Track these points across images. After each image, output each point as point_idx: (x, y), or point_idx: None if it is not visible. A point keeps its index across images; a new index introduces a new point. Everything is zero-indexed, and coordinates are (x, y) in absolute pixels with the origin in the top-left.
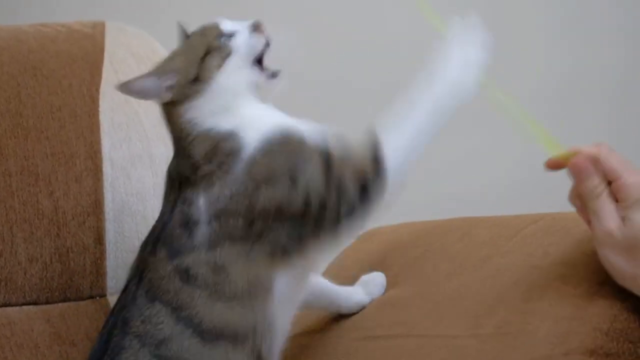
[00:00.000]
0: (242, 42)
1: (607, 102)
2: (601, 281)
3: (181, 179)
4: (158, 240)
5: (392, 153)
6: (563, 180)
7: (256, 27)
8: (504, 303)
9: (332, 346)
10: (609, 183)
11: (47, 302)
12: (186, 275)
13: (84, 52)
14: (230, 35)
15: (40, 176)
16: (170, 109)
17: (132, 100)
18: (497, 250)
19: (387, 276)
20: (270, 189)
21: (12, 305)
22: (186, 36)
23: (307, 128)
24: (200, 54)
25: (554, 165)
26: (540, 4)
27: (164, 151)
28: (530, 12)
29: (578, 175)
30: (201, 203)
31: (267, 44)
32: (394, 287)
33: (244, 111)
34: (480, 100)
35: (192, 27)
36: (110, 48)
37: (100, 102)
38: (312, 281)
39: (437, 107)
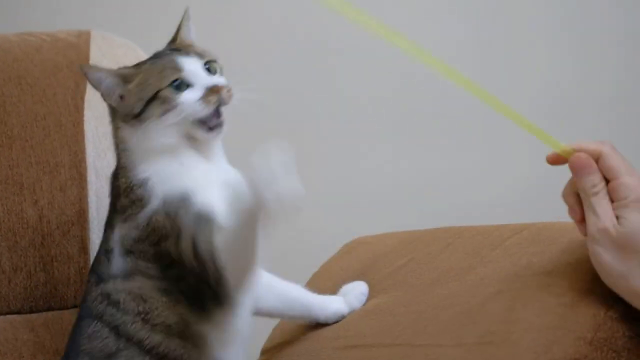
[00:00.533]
0: (189, 104)
1: (607, 107)
2: (585, 290)
3: (112, 195)
4: (93, 267)
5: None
6: (546, 191)
7: (210, 93)
8: (487, 313)
9: (314, 356)
10: (607, 181)
11: (31, 311)
12: (109, 300)
13: (68, 61)
14: (186, 86)
15: (25, 185)
16: (112, 113)
17: None
18: (480, 260)
19: (370, 285)
20: (167, 244)
21: None
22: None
23: (211, 198)
24: (149, 95)
25: (556, 159)
26: (540, 9)
27: None
28: (531, 17)
29: (579, 172)
30: (116, 234)
31: (217, 111)
32: (378, 296)
33: (164, 162)
34: (467, 115)
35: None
36: (95, 57)
37: (85, 111)
38: (283, 289)
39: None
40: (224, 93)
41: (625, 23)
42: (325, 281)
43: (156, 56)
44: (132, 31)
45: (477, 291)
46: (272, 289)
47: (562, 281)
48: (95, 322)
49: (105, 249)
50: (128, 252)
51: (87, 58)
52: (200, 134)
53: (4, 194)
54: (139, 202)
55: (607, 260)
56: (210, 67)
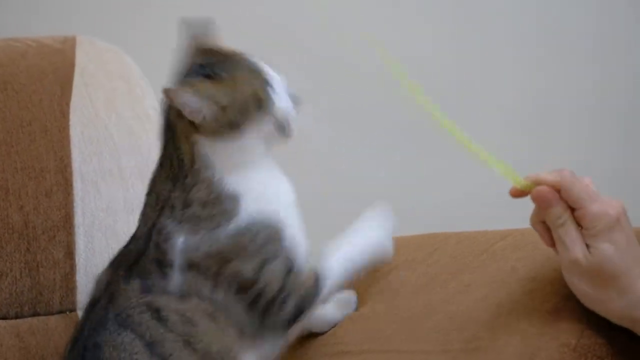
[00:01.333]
0: (284, 110)
1: (581, 121)
2: (569, 296)
3: (166, 203)
4: (132, 268)
5: (329, 277)
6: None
7: (298, 102)
8: (473, 318)
9: None
10: (573, 210)
11: (17, 317)
12: (157, 315)
13: (54, 66)
14: (271, 89)
15: (10, 190)
16: (189, 129)
17: (103, 115)
18: (466, 266)
19: (358, 291)
20: (239, 265)
21: None
22: (192, 46)
23: (295, 225)
24: (245, 100)
25: (518, 194)
26: (514, 24)
27: (134, 165)
28: (505, 31)
29: (541, 205)
30: (179, 244)
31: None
32: (366, 303)
33: (255, 177)
34: (455, 120)
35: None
36: (80, 63)
37: (71, 117)
38: None
39: (367, 247)
40: None
41: (599, 42)
42: None
43: (232, 66)
44: (118, 36)
45: (462, 297)
46: None
47: (547, 287)
48: (128, 331)
49: (158, 260)
50: (191, 266)
51: (72, 64)
52: (280, 138)
53: None
54: (224, 216)
55: (583, 289)
56: None
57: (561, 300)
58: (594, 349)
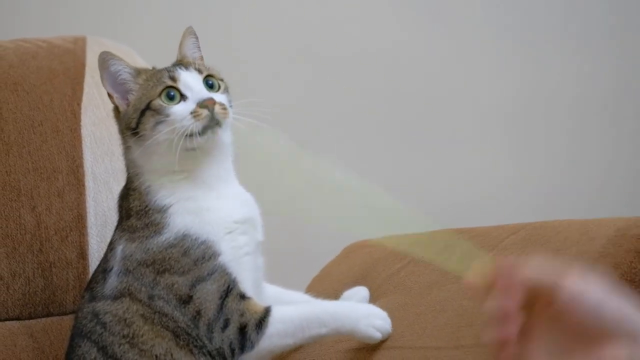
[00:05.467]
0: (179, 116)
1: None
2: None
3: (121, 213)
4: (89, 283)
5: (277, 325)
6: (542, 192)
7: (201, 108)
8: (484, 314)
9: (315, 357)
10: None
11: (30, 317)
12: (98, 319)
13: (65, 67)
14: (180, 97)
15: (23, 191)
16: (120, 129)
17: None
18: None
19: (370, 288)
20: (173, 278)
21: None
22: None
23: (228, 246)
24: (143, 106)
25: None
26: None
27: None
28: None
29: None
30: (119, 252)
31: (206, 127)
32: (378, 299)
33: (180, 191)
34: (464, 119)
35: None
36: (91, 63)
37: (82, 117)
38: (291, 298)
39: (328, 322)
40: (217, 108)
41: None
42: (325, 285)
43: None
44: (128, 36)
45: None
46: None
47: None
48: (85, 341)
49: (103, 268)
50: (127, 271)
51: (83, 64)
52: (195, 141)
53: (1, 200)
54: (154, 227)
55: None
56: (213, 82)
57: None
58: None
